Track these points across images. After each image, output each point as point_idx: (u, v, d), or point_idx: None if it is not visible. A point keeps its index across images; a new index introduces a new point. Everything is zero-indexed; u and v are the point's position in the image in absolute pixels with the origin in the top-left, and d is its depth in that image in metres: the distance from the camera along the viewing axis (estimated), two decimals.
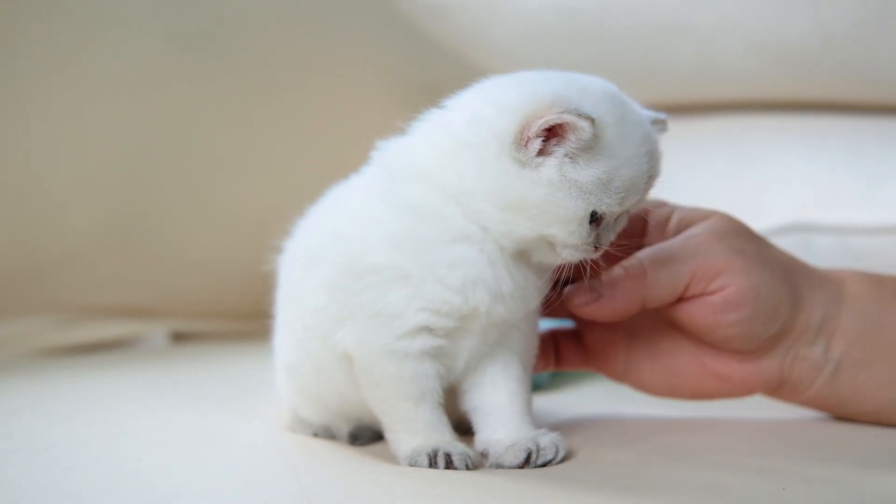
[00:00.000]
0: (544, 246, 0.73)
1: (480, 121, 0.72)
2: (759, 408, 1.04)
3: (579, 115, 0.68)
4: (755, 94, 1.41)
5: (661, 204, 0.86)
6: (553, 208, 0.70)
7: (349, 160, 0.83)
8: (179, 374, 1.23)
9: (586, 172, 0.70)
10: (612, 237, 0.75)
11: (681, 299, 0.82)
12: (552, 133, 0.69)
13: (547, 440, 0.75)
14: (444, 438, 0.76)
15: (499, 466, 0.75)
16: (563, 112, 0.68)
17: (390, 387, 0.76)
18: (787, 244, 1.32)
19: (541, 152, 0.70)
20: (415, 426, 0.76)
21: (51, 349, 1.34)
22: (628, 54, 1.43)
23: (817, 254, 1.31)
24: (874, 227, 1.29)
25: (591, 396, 1.09)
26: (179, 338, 1.49)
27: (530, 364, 0.81)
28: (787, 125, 1.39)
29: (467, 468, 0.73)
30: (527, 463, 0.74)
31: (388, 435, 0.78)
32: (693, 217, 0.85)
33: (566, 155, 0.69)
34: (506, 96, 0.72)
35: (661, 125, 0.77)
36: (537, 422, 0.80)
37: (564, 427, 0.88)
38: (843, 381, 0.86)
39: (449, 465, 0.73)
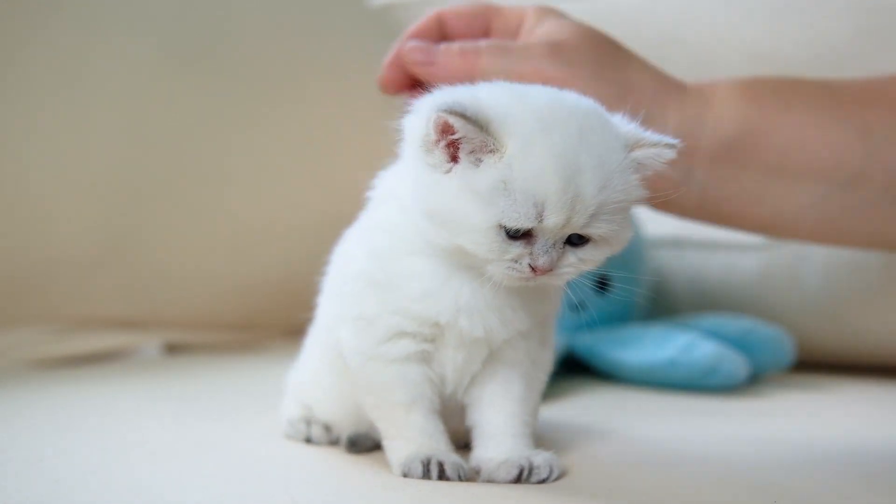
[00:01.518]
0: (476, 259, 0.70)
1: (408, 129, 0.72)
2: (757, 418, 1.04)
3: (450, 111, 0.67)
4: None
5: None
6: (456, 215, 0.68)
7: (345, 172, 0.83)
8: (173, 385, 1.23)
9: (483, 177, 0.67)
10: (570, 262, 0.70)
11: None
12: (455, 137, 0.68)
13: (541, 459, 0.75)
14: (439, 447, 0.75)
15: (490, 482, 0.75)
16: (440, 110, 0.67)
17: (380, 393, 0.76)
18: (781, 253, 1.33)
19: (454, 159, 0.69)
20: (408, 433, 0.75)
21: (44, 360, 1.34)
22: None
23: (811, 263, 1.31)
24: None
25: (587, 409, 1.09)
26: (173, 349, 1.48)
27: (540, 381, 0.79)
28: None
29: (459, 479, 0.73)
30: (518, 480, 0.74)
31: (384, 442, 0.77)
32: (544, 20, 0.86)
33: (470, 160, 0.68)
34: (424, 102, 0.72)
35: (657, 148, 0.71)
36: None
37: (558, 440, 0.88)
38: (713, 199, 0.83)
39: (442, 474, 0.73)
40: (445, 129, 0.68)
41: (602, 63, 0.83)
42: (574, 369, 1.26)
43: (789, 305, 1.32)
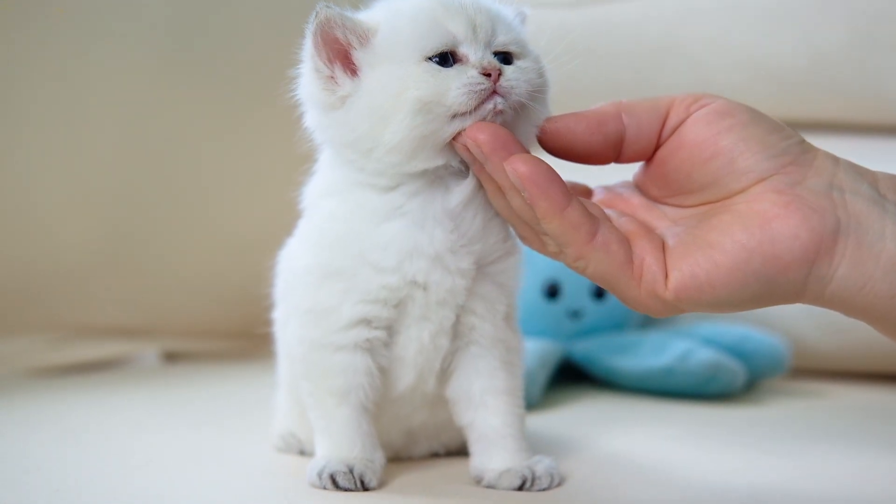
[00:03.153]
0: (437, 122, 0.69)
1: (306, 94, 0.77)
2: (754, 425, 1.04)
3: (314, 18, 0.71)
4: None
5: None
6: (391, 89, 0.69)
7: None
8: (172, 393, 1.23)
9: (381, 43, 0.71)
10: (512, 69, 0.70)
11: (672, 135, 0.70)
12: (339, 55, 0.72)
13: (542, 468, 0.75)
14: (352, 452, 0.75)
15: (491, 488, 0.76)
16: (308, 33, 0.72)
17: (318, 379, 0.76)
18: None
19: (353, 73, 0.72)
20: (334, 426, 0.76)
21: (42, 369, 1.34)
22: (622, 73, 1.44)
23: None
24: None
25: (585, 416, 1.09)
26: (172, 357, 1.48)
27: (519, 367, 0.79)
28: None
29: (354, 487, 0.73)
30: (521, 489, 0.75)
31: (314, 435, 0.78)
32: None
33: (365, 52, 0.71)
34: (301, 58, 0.76)
35: None
36: (530, 441, 0.79)
37: (556, 447, 0.88)
38: (835, 299, 0.66)
39: (337, 483, 0.73)
40: (326, 37, 0.72)
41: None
42: (572, 376, 1.26)
43: (785, 312, 1.32)
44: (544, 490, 0.74)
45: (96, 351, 1.40)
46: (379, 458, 0.76)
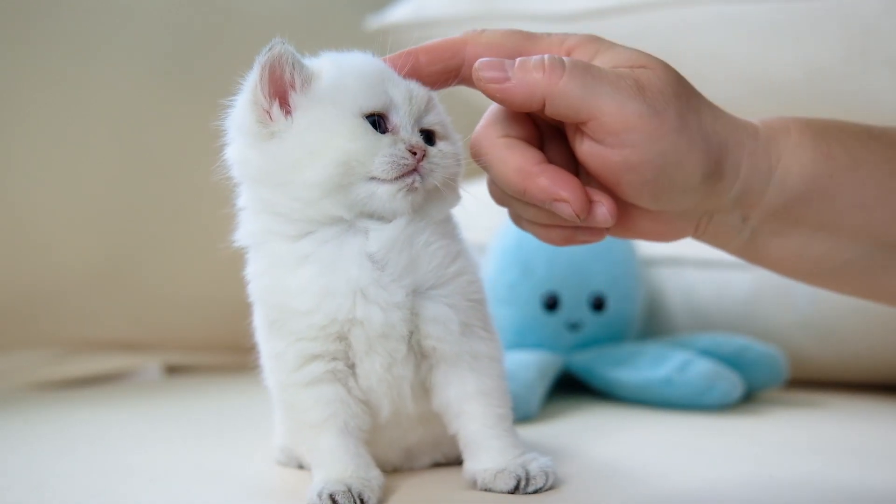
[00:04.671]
0: (355, 178, 0.73)
1: (235, 123, 0.78)
2: (751, 436, 1.04)
3: (268, 52, 0.73)
4: None
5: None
6: (323, 134, 0.73)
7: None
8: (174, 407, 1.23)
9: (321, 90, 0.74)
10: (435, 151, 0.75)
11: (584, 133, 0.72)
12: (278, 93, 0.74)
13: (536, 467, 0.76)
14: (345, 473, 0.75)
15: (488, 491, 0.76)
16: (258, 65, 0.74)
17: (297, 415, 0.79)
18: (772, 276, 1.34)
19: (287, 113, 0.74)
20: (320, 456, 0.77)
21: (44, 383, 1.34)
22: None
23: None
24: None
25: (583, 427, 1.09)
26: (173, 371, 1.49)
27: (494, 370, 0.79)
28: None
29: None
30: (516, 489, 0.75)
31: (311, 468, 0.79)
32: (605, 50, 0.77)
33: (303, 92, 0.74)
34: (243, 89, 0.78)
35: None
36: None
37: (555, 458, 0.88)
38: (758, 245, 0.79)
39: (336, 502, 0.73)
40: (274, 72, 0.74)
41: (683, 112, 0.72)
42: (571, 388, 1.27)
43: (782, 322, 1.33)
44: (540, 490, 0.75)
45: (98, 365, 1.41)
46: (375, 476, 0.76)
